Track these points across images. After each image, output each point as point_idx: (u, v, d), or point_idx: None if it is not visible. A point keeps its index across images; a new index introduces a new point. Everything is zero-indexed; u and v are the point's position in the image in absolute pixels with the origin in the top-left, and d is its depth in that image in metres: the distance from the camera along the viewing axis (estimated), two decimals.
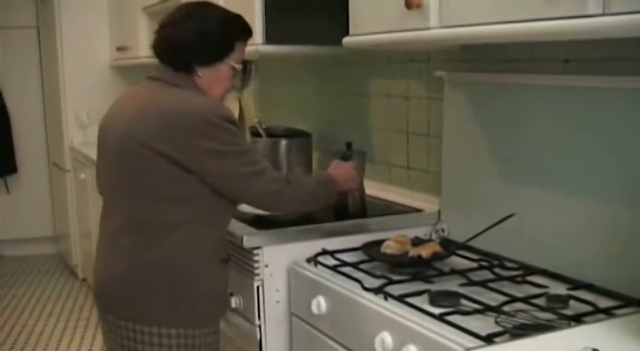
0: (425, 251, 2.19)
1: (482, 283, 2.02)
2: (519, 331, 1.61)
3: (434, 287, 1.98)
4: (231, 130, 2.06)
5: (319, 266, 2.27)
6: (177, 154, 2.00)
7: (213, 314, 2.19)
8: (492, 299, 1.88)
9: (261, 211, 2.55)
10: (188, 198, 2.06)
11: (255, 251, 2.35)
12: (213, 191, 2.08)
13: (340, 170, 2.48)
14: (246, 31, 2.24)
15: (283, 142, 3.10)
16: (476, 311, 1.78)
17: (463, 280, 2.05)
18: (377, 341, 1.84)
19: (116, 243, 2.14)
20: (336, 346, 2.11)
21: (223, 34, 2.16)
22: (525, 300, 1.86)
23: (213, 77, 2.18)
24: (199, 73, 2.15)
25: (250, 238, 2.34)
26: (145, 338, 2.10)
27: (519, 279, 2.07)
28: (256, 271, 2.35)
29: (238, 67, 2.22)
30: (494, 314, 1.74)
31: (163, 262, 2.07)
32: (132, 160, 2.06)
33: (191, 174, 2.03)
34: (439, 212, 2.63)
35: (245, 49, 2.24)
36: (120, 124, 2.11)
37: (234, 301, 2.48)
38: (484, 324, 1.70)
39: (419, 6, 1.91)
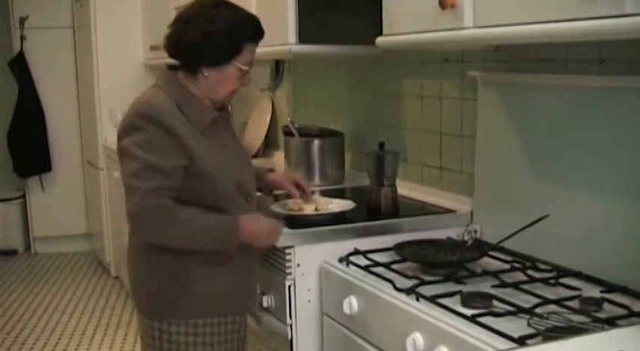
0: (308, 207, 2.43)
1: (515, 285, 2.00)
2: (552, 334, 1.60)
3: (466, 288, 1.97)
4: (145, 130, 2.05)
5: (351, 266, 2.27)
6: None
7: (190, 314, 2.18)
8: (525, 301, 1.86)
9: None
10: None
11: (287, 250, 2.35)
12: (188, 194, 2.11)
13: (254, 224, 2.19)
14: (256, 34, 2.19)
15: (316, 142, 3.11)
16: (508, 313, 1.77)
17: (495, 282, 2.04)
18: (408, 342, 1.84)
19: (129, 238, 2.31)
20: (367, 346, 2.11)
21: (231, 37, 2.13)
22: (558, 302, 1.84)
23: (220, 78, 2.16)
24: (205, 74, 2.15)
25: (282, 237, 2.34)
26: (148, 331, 2.21)
27: (552, 281, 2.05)
28: (288, 271, 2.36)
29: (245, 68, 2.17)
30: (527, 316, 1.73)
31: (137, 253, 2.24)
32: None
33: None
34: (472, 213, 2.62)
35: (255, 50, 2.21)
36: None
37: (265, 300, 2.48)
38: (516, 326, 1.69)
39: (453, 6, 1.91)
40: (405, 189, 2.94)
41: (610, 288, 1.97)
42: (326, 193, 2.89)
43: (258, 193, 2.39)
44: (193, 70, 2.16)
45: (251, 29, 2.18)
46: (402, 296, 1.96)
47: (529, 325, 1.68)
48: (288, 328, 2.40)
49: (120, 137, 2.11)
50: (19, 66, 6.24)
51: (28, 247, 6.66)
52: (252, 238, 2.18)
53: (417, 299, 1.92)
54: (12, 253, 6.57)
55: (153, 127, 2.05)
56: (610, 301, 1.85)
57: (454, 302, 1.87)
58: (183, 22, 2.16)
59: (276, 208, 2.59)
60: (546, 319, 1.71)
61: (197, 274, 2.16)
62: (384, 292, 2.03)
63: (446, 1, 1.91)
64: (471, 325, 1.71)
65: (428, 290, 1.95)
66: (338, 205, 2.61)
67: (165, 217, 2.04)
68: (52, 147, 6.41)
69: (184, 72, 2.18)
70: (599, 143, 2.06)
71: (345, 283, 2.22)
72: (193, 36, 2.11)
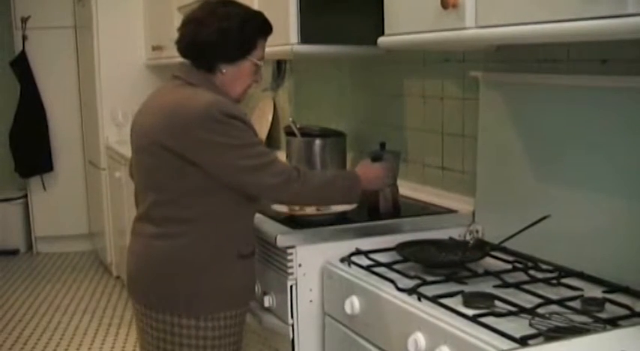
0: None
1: (517, 285, 2.00)
2: (554, 334, 1.60)
3: (468, 288, 1.97)
4: (233, 124, 2.10)
5: (353, 266, 2.27)
6: (180, 147, 2.10)
7: (223, 307, 2.23)
8: (527, 301, 1.86)
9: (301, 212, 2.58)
10: (198, 193, 2.14)
11: (289, 250, 2.35)
12: (224, 187, 2.14)
13: (367, 169, 2.45)
14: (266, 28, 2.27)
15: (317, 142, 3.10)
16: (510, 313, 1.77)
17: (497, 282, 2.04)
18: (410, 342, 1.84)
19: (137, 231, 2.30)
20: (369, 346, 2.11)
21: (245, 32, 2.20)
22: (560, 302, 1.84)
23: (236, 74, 2.23)
24: (223, 71, 2.21)
25: (284, 237, 2.35)
26: (157, 325, 2.21)
27: (554, 281, 2.05)
28: (290, 271, 2.35)
29: (260, 63, 2.26)
30: (529, 316, 1.73)
31: (173, 254, 2.19)
32: (146, 157, 2.20)
33: (195, 167, 2.10)
34: (473, 213, 2.62)
35: (265, 45, 2.29)
36: (139, 122, 2.25)
37: (267, 300, 2.48)
38: (518, 326, 1.69)
39: (455, 6, 1.91)
40: (407, 189, 2.94)
41: (612, 288, 1.96)
42: None
43: None
44: (210, 68, 2.21)
45: (262, 24, 2.26)
46: (404, 296, 1.96)
47: (531, 325, 1.68)
48: (290, 328, 2.40)
49: (203, 130, 2.07)
50: (21, 66, 6.25)
51: (29, 246, 6.67)
52: (371, 180, 2.40)
53: (419, 299, 1.92)
54: (14, 252, 6.58)
55: (235, 122, 2.10)
56: (612, 302, 1.85)
57: (456, 302, 1.86)
58: (195, 23, 2.21)
59: (277, 207, 2.58)
60: (548, 319, 1.70)
61: (232, 268, 2.23)
62: (386, 292, 2.03)
63: (447, 1, 1.91)
64: (473, 325, 1.71)
65: (429, 290, 1.95)
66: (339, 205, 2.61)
67: (307, 177, 2.19)
68: (54, 147, 6.42)
69: (202, 72, 2.22)
70: (601, 143, 2.06)
71: (346, 283, 2.22)
72: (209, 34, 2.16)
